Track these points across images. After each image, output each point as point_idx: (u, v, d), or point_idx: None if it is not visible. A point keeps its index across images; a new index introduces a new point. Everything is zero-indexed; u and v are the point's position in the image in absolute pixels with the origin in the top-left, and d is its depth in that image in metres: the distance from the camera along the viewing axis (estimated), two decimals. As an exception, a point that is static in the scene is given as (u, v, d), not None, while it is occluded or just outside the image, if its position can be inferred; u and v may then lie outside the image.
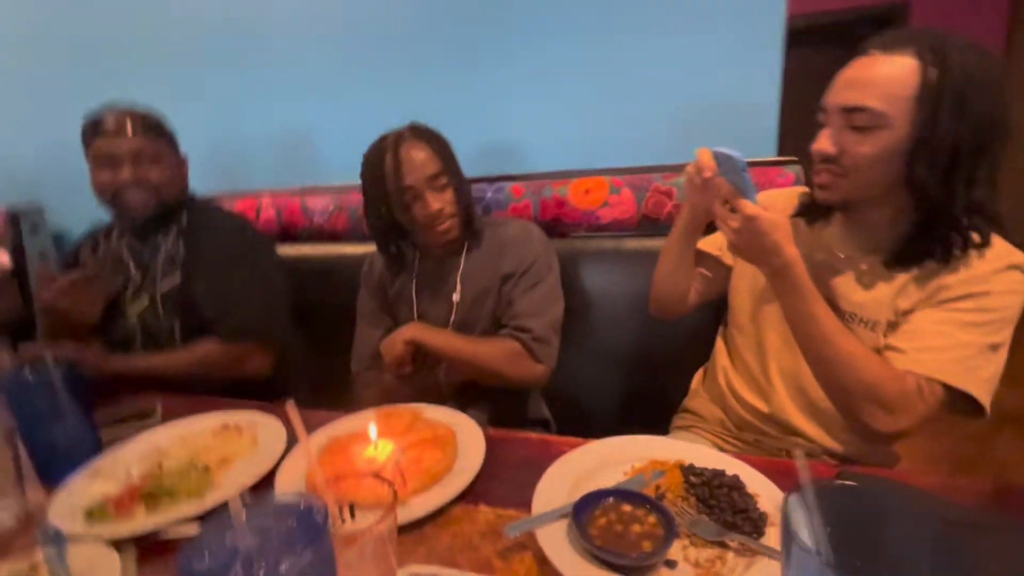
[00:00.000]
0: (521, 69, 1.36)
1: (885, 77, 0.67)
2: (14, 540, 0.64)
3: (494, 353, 1.01)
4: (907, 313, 0.74)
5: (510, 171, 1.34)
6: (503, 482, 0.68)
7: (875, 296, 0.76)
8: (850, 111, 0.69)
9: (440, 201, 1.01)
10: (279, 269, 1.25)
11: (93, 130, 1.12)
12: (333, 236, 1.48)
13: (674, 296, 0.97)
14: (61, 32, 1.82)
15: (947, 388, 0.68)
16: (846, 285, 0.79)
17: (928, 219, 0.71)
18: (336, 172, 1.57)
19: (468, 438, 0.76)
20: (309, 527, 0.36)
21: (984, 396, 0.68)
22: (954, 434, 1.97)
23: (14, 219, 1.83)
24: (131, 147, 1.10)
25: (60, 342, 1.04)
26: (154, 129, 1.15)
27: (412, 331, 1.01)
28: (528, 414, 1.15)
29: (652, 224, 1.21)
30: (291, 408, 0.49)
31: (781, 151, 1.22)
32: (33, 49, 1.88)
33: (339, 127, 1.57)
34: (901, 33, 0.70)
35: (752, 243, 0.72)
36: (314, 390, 1.28)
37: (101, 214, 1.37)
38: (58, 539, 0.58)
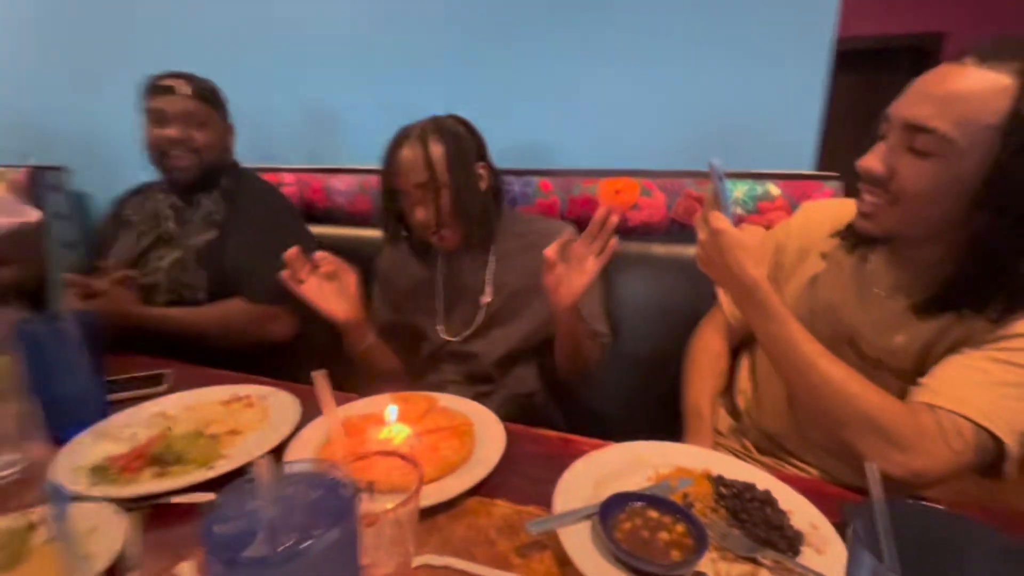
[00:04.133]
0: (559, 65, 1.34)
1: (967, 95, 0.55)
2: (16, 496, 0.62)
3: (589, 350, 1.00)
4: (936, 360, 0.65)
5: (539, 166, 1.32)
6: (521, 477, 0.66)
7: (904, 341, 0.68)
8: (913, 129, 0.58)
9: (426, 213, 0.95)
10: (310, 241, 1.28)
11: (151, 89, 1.18)
12: (354, 218, 1.46)
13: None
14: (95, 2, 1.82)
15: (978, 430, 0.59)
16: (874, 327, 0.71)
17: (982, 270, 0.60)
18: (359, 156, 1.55)
19: (486, 430, 0.73)
20: (337, 500, 0.34)
21: (1013, 440, 0.58)
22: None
23: (35, 178, 1.83)
24: (182, 107, 1.17)
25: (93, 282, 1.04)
26: (206, 95, 1.22)
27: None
28: (543, 415, 1.12)
29: (681, 229, 1.19)
30: (321, 378, 0.46)
31: (819, 169, 1.19)
32: (65, 18, 1.89)
33: (367, 111, 1.55)
34: (1013, 43, 0.56)
35: (716, 258, 0.67)
36: (330, 371, 1.26)
37: (120, 178, 1.37)
38: (61, 496, 0.56)
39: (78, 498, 0.57)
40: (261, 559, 0.30)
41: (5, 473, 0.65)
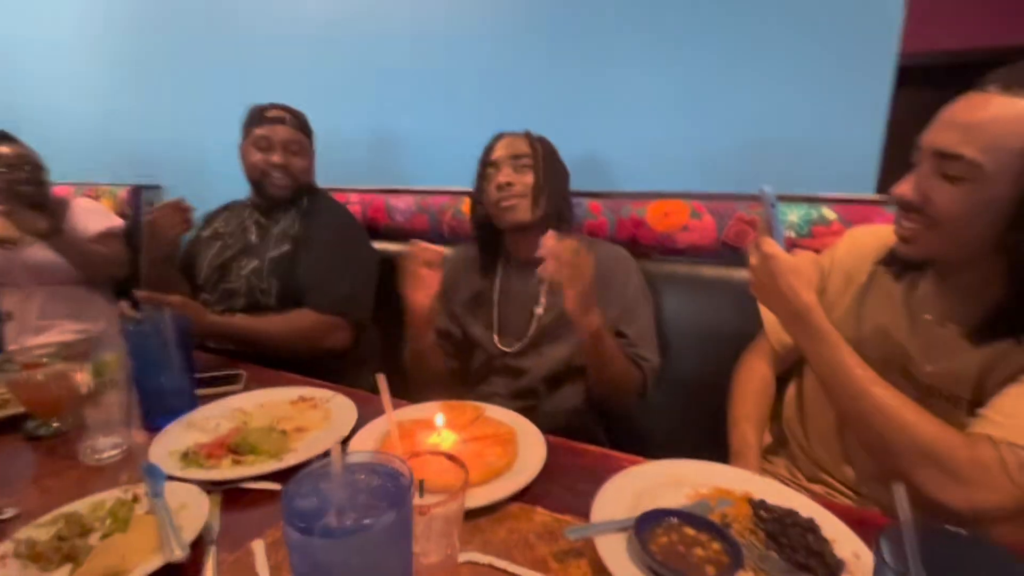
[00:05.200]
0: (610, 84, 1.38)
1: (993, 122, 0.57)
2: (119, 473, 0.71)
3: (621, 376, 1.01)
4: (995, 390, 0.63)
5: (588, 187, 1.35)
6: (561, 488, 0.68)
7: (957, 368, 0.67)
8: (943, 156, 0.60)
9: (512, 177, 1.06)
10: (373, 259, 1.41)
11: (257, 118, 1.33)
12: (412, 235, 1.55)
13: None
14: (185, 34, 2.07)
15: None
16: (926, 353, 0.70)
17: (1022, 292, 0.61)
18: (417, 178, 1.66)
19: (528, 441, 0.76)
20: (395, 487, 0.38)
21: None
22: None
23: (135, 195, 2.07)
24: (286, 136, 1.32)
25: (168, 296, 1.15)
26: (303, 126, 1.37)
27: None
28: (585, 432, 1.14)
29: (731, 253, 1.18)
30: (382, 380, 0.52)
31: (881, 192, 1.16)
32: (159, 50, 2.15)
33: (427, 136, 1.66)
34: None
35: (767, 283, 0.69)
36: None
37: (209, 197, 1.53)
38: (158, 475, 0.64)
39: (171, 478, 0.65)
40: (330, 530, 0.35)
41: (111, 453, 0.75)
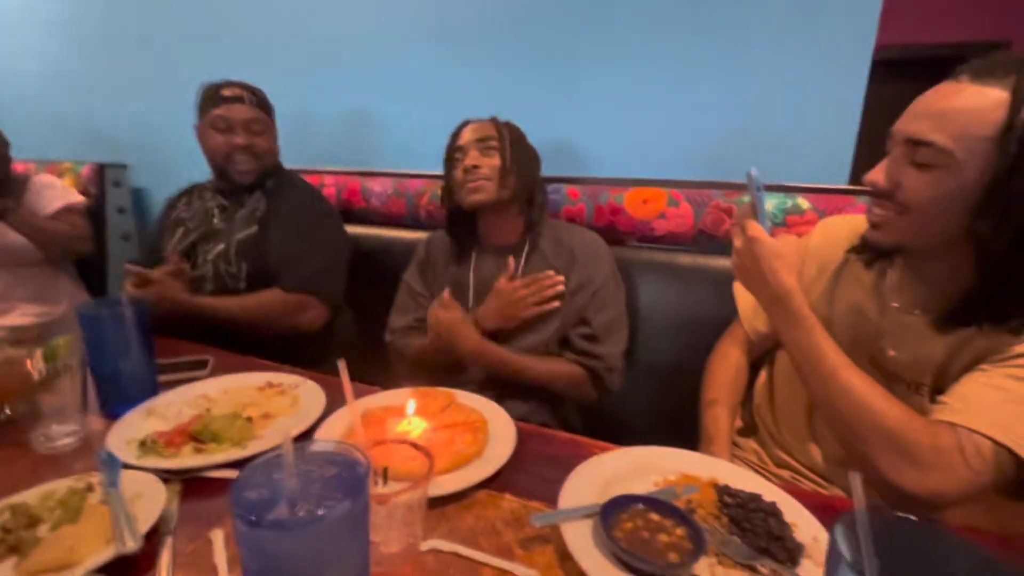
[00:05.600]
0: (588, 71, 1.36)
1: (963, 110, 0.58)
2: (74, 462, 0.69)
3: (557, 376, 1.05)
4: (957, 377, 0.65)
5: (566, 173, 1.34)
6: (530, 475, 0.68)
7: (922, 355, 0.68)
8: (914, 144, 0.61)
9: (479, 160, 1.05)
10: (343, 237, 1.37)
11: (213, 98, 1.25)
12: (388, 219, 1.52)
13: None
14: (152, 10, 1.98)
15: (998, 450, 0.58)
16: (892, 340, 0.72)
17: (989, 280, 0.62)
18: (392, 161, 1.62)
19: (499, 428, 0.76)
20: (351, 477, 0.37)
21: None
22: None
23: (100, 174, 1.99)
24: (246, 115, 1.25)
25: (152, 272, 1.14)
26: (263, 102, 1.30)
27: (471, 347, 1.02)
28: (560, 418, 1.14)
29: (708, 241, 1.19)
30: (343, 366, 0.50)
31: (855, 183, 1.17)
32: (124, 30, 2.06)
33: (403, 117, 1.62)
34: (1005, 59, 0.59)
35: (750, 266, 0.70)
36: (354, 364, 1.32)
37: (175, 176, 1.47)
38: (113, 464, 0.62)
39: (127, 467, 0.63)
40: (281, 522, 0.34)
41: (66, 441, 0.72)
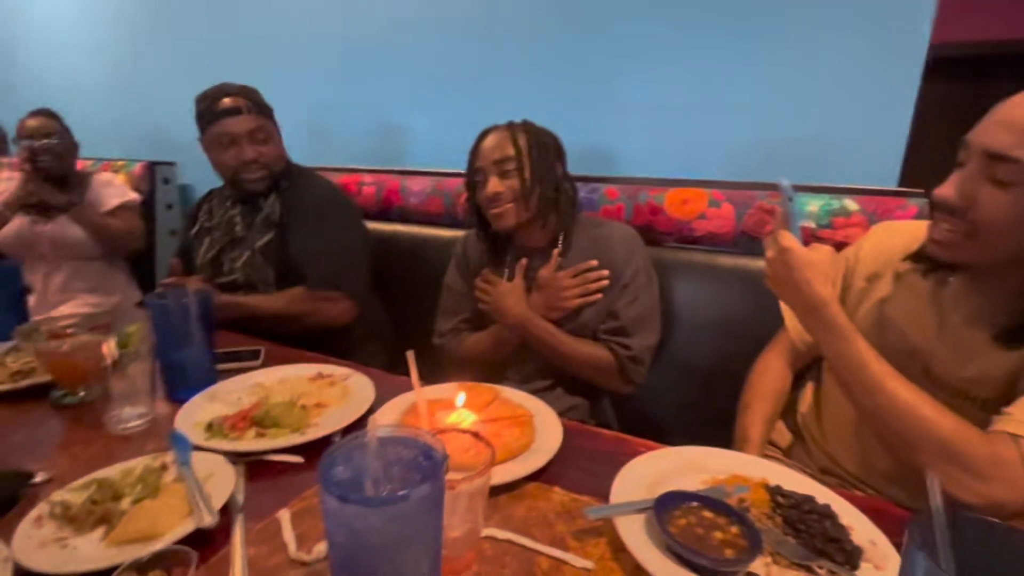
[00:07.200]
0: (629, 71, 1.36)
1: None
2: (145, 443, 0.73)
3: (588, 359, 1.05)
4: (1019, 391, 0.62)
5: (606, 173, 1.34)
6: (578, 469, 0.69)
7: (985, 370, 0.66)
8: (995, 158, 0.57)
9: (499, 187, 1.03)
10: (362, 230, 1.38)
11: (209, 114, 1.23)
12: (426, 218, 1.55)
13: None
14: (198, 11, 2.07)
15: None
16: (952, 354, 0.69)
17: None
18: (428, 161, 1.65)
19: (545, 423, 0.77)
20: (429, 461, 0.39)
21: None
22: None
23: (150, 171, 2.08)
24: (248, 126, 1.23)
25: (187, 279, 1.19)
26: (263, 107, 1.28)
27: (520, 317, 1.04)
28: (596, 416, 1.15)
29: (749, 242, 1.17)
30: (411, 357, 0.52)
31: (904, 185, 1.14)
32: (177, 34, 2.16)
33: (436, 120, 1.65)
34: None
35: (784, 276, 0.68)
36: (393, 358, 1.35)
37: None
38: (184, 444, 0.65)
39: (197, 448, 0.66)
40: (367, 499, 0.36)
41: (137, 423, 0.76)
